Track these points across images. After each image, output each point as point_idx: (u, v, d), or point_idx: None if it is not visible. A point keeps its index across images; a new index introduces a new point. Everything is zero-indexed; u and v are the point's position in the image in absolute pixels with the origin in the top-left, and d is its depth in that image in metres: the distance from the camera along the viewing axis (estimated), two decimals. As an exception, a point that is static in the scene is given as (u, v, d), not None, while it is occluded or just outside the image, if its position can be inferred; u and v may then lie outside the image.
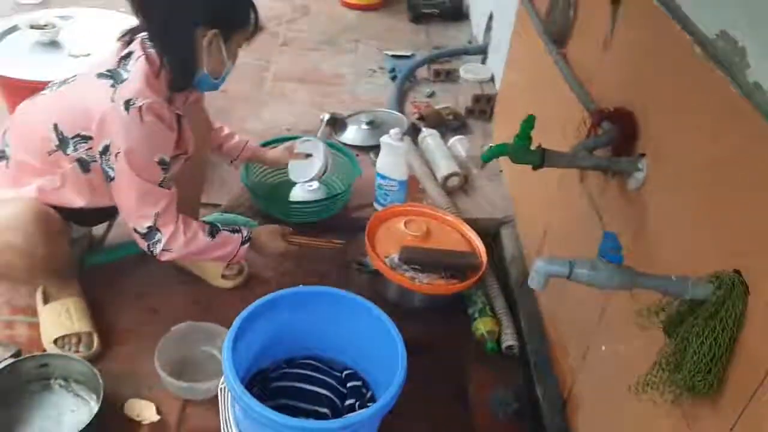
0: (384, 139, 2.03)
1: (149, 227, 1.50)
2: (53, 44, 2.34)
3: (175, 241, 1.52)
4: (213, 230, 1.58)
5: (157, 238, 1.51)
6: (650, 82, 1.22)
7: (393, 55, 3.11)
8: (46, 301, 1.65)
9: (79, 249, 1.82)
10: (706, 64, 1.01)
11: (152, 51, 1.46)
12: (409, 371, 1.30)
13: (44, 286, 1.67)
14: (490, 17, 2.91)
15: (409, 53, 3.13)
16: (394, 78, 2.90)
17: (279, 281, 1.87)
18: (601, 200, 1.40)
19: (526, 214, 2.04)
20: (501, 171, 2.36)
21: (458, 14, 3.48)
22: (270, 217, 2.04)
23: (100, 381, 1.44)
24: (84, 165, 1.49)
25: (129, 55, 1.46)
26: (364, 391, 1.45)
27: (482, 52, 2.97)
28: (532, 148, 1.20)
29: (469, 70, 2.74)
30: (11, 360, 1.46)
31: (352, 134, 2.50)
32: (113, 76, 1.43)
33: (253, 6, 1.51)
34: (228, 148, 1.93)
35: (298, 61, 3.05)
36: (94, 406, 1.44)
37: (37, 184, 1.50)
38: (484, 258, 1.86)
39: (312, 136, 2.07)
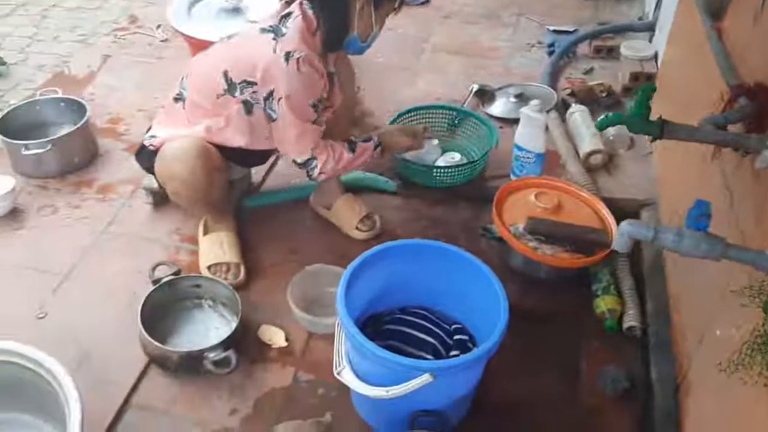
0: (523, 110, 2.04)
1: (307, 159, 1.76)
2: (236, 10, 2.61)
3: (327, 165, 1.77)
4: (352, 145, 1.82)
5: (313, 165, 1.77)
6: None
7: (554, 30, 3.06)
8: (205, 232, 1.89)
9: (239, 191, 2.06)
10: None
11: (310, 12, 1.65)
12: (523, 338, 1.34)
13: (205, 218, 1.91)
14: (661, -8, 2.76)
15: (571, 28, 3.05)
16: (551, 53, 2.86)
17: (407, 232, 1.99)
18: (733, 179, 1.33)
19: (670, 196, 1.96)
20: (650, 153, 2.26)
21: (635, -9, 3.32)
22: (408, 180, 2.15)
23: (240, 306, 1.64)
24: (248, 107, 1.71)
25: (289, 14, 1.66)
26: (470, 345, 1.51)
27: (650, 29, 2.83)
28: (652, 119, 1.18)
29: (630, 47, 2.63)
30: (172, 277, 1.71)
31: (500, 107, 2.53)
32: (275, 31, 1.65)
33: None
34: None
35: (457, 33, 3.10)
36: (234, 326, 1.64)
37: (206, 124, 1.74)
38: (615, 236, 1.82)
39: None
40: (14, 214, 2.00)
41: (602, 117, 1.21)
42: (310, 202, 2.07)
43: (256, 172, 2.15)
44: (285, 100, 1.65)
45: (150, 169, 1.83)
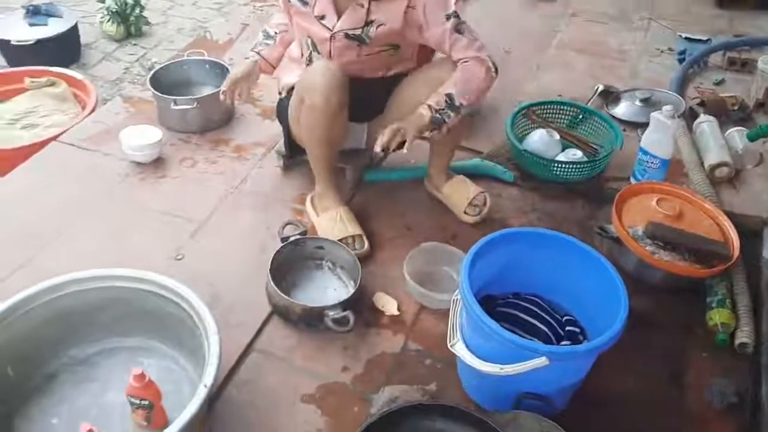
0: (654, 115, 2.03)
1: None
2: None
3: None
4: None
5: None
6: None
7: (687, 38, 2.99)
8: (316, 212, 1.97)
9: (359, 166, 2.15)
10: None
11: None
12: (631, 343, 1.36)
13: (311, 196, 2.01)
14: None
15: (704, 38, 2.97)
16: (681, 61, 2.80)
17: (520, 222, 2.04)
18: None
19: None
20: (781, 171, 2.19)
21: (775, 2, 3.19)
22: (526, 172, 2.18)
23: (360, 270, 1.74)
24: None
25: None
26: (581, 338, 1.54)
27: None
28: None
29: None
30: (299, 236, 1.82)
31: (624, 109, 2.51)
32: None
33: None
34: None
35: (584, 32, 3.09)
36: (351, 290, 1.74)
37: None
38: (736, 250, 1.80)
39: None
40: (159, 162, 2.18)
41: (756, 128, 1.21)
42: (425, 184, 2.13)
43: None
44: None
45: (280, 120, 1.98)
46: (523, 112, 2.31)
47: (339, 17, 1.77)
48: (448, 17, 1.75)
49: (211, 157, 2.23)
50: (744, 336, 1.70)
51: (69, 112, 2.62)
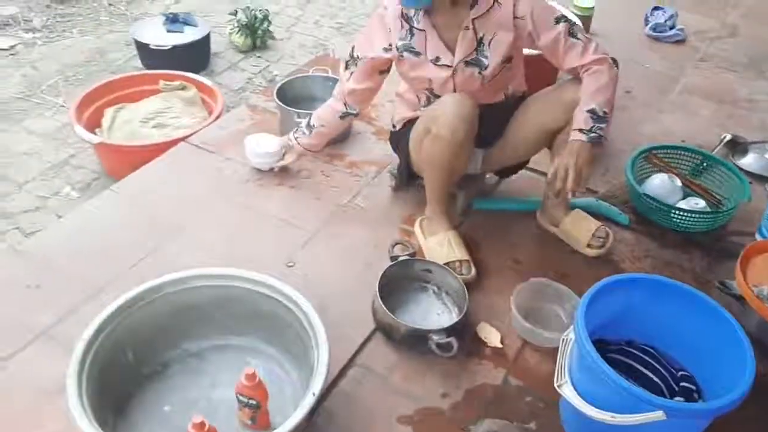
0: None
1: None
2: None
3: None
4: None
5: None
6: None
7: (824, 92, 2.83)
8: (424, 234, 1.98)
9: (472, 192, 2.15)
10: None
11: None
12: (749, 409, 1.28)
13: (421, 219, 2.02)
14: None
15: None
16: (817, 115, 2.65)
17: (634, 268, 1.97)
18: None
19: None
20: None
21: None
22: (643, 216, 2.11)
23: (467, 298, 1.73)
24: None
25: None
26: (696, 396, 1.47)
27: None
28: None
29: None
30: (407, 257, 1.83)
31: (751, 160, 2.40)
32: None
33: None
34: None
35: (711, 78, 2.98)
36: (455, 316, 1.73)
37: None
38: None
39: None
40: (277, 171, 2.26)
41: None
42: (537, 218, 2.11)
43: (489, 176, 2.23)
44: None
45: (396, 150, 2.02)
46: (645, 155, 2.24)
47: (453, 51, 1.79)
48: (557, 21, 1.75)
49: (326, 170, 2.29)
50: None
51: (197, 115, 2.77)
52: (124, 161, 2.48)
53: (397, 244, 1.89)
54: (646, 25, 3.30)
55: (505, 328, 1.77)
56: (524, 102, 1.92)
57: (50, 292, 1.78)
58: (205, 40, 3.42)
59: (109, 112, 2.77)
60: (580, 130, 1.72)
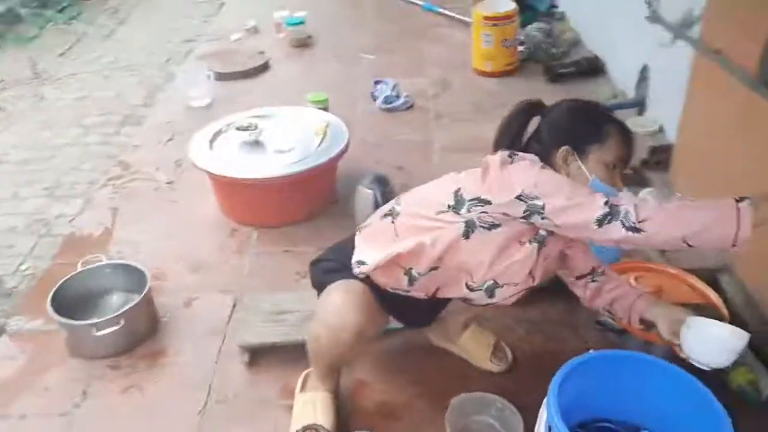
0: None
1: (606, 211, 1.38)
2: (257, 143, 2.54)
3: (645, 209, 1.36)
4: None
5: (623, 210, 1.36)
6: None
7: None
8: (302, 388, 1.75)
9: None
10: None
11: None
12: None
13: (306, 373, 1.77)
14: (644, 70, 2.98)
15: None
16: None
17: (517, 346, 1.95)
18: None
19: (751, 260, 2.04)
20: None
21: (595, 70, 3.57)
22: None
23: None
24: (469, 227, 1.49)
25: None
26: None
27: (638, 104, 3.03)
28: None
29: (637, 125, 2.79)
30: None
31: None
32: None
33: None
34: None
35: (456, 131, 3.18)
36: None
37: (417, 240, 1.52)
38: (724, 309, 1.87)
39: None
40: (95, 404, 1.77)
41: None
42: (428, 338, 1.97)
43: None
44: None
45: (318, 288, 1.68)
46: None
47: None
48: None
49: (155, 375, 1.88)
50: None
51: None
52: None
53: (306, 430, 1.60)
54: (375, 100, 3.43)
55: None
56: None
57: None
58: None
59: None
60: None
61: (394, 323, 1.77)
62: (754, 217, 1.27)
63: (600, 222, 1.36)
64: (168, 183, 2.81)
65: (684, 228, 1.32)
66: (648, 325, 1.60)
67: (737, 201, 1.30)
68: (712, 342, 1.44)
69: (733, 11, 2.17)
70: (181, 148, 2.96)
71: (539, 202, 1.39)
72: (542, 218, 1.40)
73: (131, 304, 1.93)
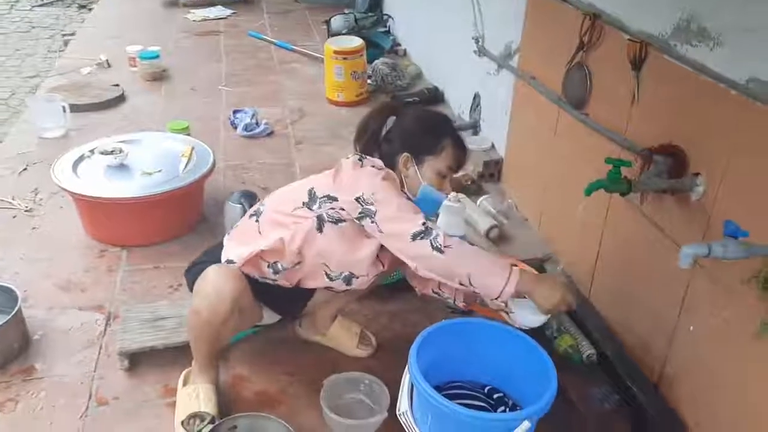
0: (445, 203, 2.41)
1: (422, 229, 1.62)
2: (122, 166, 2.61)
3: (450, 239, 1.61)
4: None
5: (434, 233, 1.60)
6: (690, 120, 1.68)
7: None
8: (185, 383, 1.85)
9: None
10: (744, 101, 1.46)
11: None
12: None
13: (187, 371, 1.88)
14: (476, 96, 3.41)
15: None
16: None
17: (380, 333, 2.17)
18: (660, 216, 1.81)
19: (569, 249, 2.45)
20: (527, 219, 2.78)
21: (436, 99, 3.98)
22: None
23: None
24: (320, 222, 1.71)
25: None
26: (506, 399, 1.76)
27: (473, 126, 3.45)
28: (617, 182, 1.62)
29: (473, 142, 3.18)
30: (210, 426, 1.67)
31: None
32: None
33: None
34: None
35: (315, 154, 3.41)
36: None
37: (278, 235, 1.72)
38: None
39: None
40: (-29, 421, 1.76)
41: (589, 184, 1.62)
42: (296, 331, 2.14)
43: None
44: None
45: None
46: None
47: None
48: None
49: (33, 388, 1.89)
50: (586, 348, 2.10)
51: None
52: None
53: (192, 417, 1.71)
54: (235, 128, 3.58)
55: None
56: None
57: None
58: None
59: None
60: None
61: (267, 320, 1.95)
62: (518, 281, 1.58)
63: (414, 237, 1.60)
64: (27, 210, 2.77)
65: (472, 266, 1.60)
66: (472, 299, 1.88)
67: (513, 265, 1.63)
68: (529, 307, 1.69)
69: (540, 44, 2.61)
70: (37, 178, 2.95)
71: (373, 208, 1.63)
72: (371, 222, 1.64)
73: (1, 323, 1.93)
